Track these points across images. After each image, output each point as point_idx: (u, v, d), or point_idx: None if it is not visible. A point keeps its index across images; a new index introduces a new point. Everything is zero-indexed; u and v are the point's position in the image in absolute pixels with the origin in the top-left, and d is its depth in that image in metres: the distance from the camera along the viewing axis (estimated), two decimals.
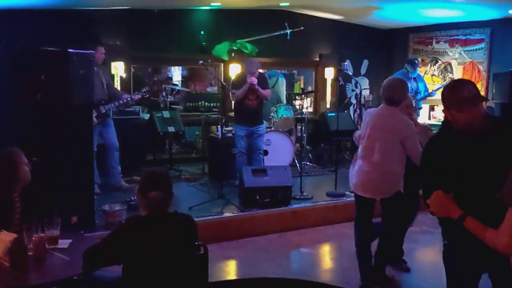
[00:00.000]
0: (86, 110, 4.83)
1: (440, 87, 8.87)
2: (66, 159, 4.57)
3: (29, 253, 2.79)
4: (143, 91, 6.50)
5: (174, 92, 7.74)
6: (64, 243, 3.08)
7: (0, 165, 3.20)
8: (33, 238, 2.85)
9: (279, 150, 7.49)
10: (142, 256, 2.61)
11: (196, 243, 2.92)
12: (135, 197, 2.81)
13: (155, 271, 2.62)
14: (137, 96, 6.42)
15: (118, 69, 7.53)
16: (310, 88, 9.94)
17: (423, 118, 9.59)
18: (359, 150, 4.24)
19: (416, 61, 8.47)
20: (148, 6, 7.99)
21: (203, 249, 2.99)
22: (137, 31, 7.92)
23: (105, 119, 6.22)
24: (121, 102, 6.32)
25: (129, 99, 6.39)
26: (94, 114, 5.88)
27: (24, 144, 3.80)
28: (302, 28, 8.47)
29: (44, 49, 4.67)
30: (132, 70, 8.45)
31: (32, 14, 7.08)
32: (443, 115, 2.66)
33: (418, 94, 8.27)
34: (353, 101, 10.18)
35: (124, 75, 7.67)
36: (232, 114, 7.42)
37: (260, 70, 7.10)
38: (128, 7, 7.83)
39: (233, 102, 6.72)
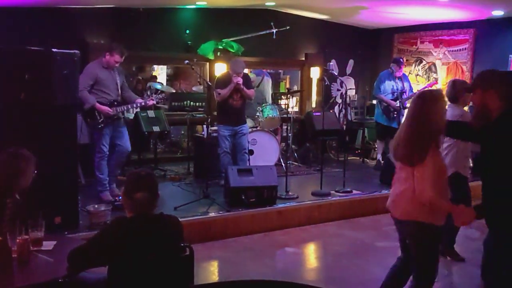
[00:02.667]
0: (70, 110, 4.79)
1: (425, 87, 8.94)
2: (49, 159, 4.52)
3: (13, 256, 2.77)
4: (159, 97, 6.35)
5: (159, 91, 7.70)
6: (48, 244, 3.07)
7: (8, 159, 3.18)
8: (17, 240, 2.83)
9: (264, 150, 7.51)
10: (127, 258, 2.61)
11: (182, 244, 2.93)
12: (120, 198, 2.80)
13: (141, 273, 2.62)
14: (151, 102, 6.22)
15: None
16: (295, 88, 9.96)
17: None
18: None
19: (401, 60, 8.50)
20: (133, 5, 7.95)
21: (188, 250, 2.99)
22: (122, 29, 7.85)
23: (118, 122, 6.02)
24: (134, 105, 6.18)
25: (143, 103, 6.16)
26: (100, 117, 5.77)
27: (6, 143, 3.76)
28: (288, 27, 8.48)
29: (27, 48, 4.61)
30: None
31: (15, 12, 6.99)
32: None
33: (404, 93, 8.30)
34: (339, 100, 10.23)
35: None
36: None
37: (246, 71, 7.11)
38: (113, 6, 7.77)
39: (216, 101, 6.71)
